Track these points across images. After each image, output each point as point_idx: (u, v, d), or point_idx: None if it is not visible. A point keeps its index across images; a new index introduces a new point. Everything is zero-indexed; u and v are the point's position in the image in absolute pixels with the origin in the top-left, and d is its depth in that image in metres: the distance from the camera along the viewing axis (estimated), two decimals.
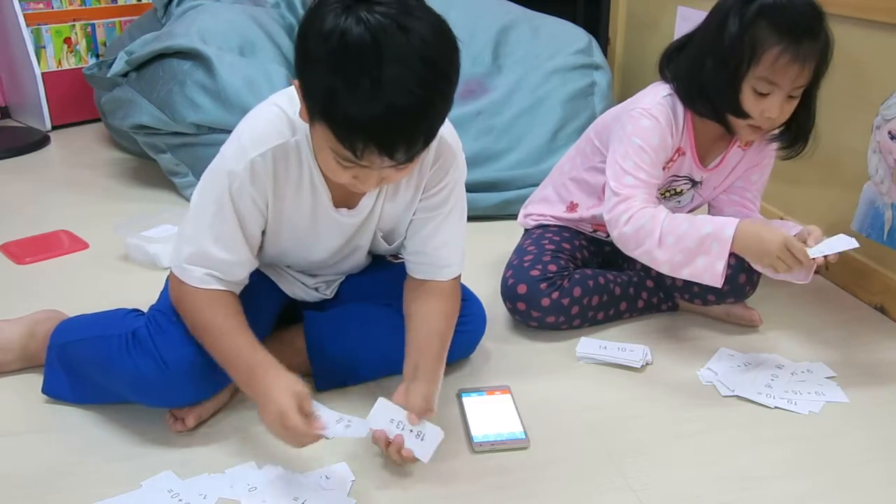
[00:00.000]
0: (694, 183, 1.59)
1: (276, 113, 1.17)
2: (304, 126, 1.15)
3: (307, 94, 1.04)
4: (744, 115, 1.41)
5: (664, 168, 1.51)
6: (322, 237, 1.29)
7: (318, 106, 1.01)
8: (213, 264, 1.19)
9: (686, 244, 1.40)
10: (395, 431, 1.15)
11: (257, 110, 1.21)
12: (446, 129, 1.23)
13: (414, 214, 1.30)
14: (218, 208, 1.17)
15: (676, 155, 1.52)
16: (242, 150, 1.15)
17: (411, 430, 1.15)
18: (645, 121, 1.47)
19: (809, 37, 1.35)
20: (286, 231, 1.26)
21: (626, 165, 1.47)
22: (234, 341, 1.17)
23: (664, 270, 1.45)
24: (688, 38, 1.50)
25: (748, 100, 1.39)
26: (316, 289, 1.41)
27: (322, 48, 0.97)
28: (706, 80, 1.42)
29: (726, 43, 1.37)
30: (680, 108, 1.50)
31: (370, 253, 1.40)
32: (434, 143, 1.14)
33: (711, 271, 1.39)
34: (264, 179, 1.17)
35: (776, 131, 1.50)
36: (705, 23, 1.45)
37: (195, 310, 1.19)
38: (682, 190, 1.60)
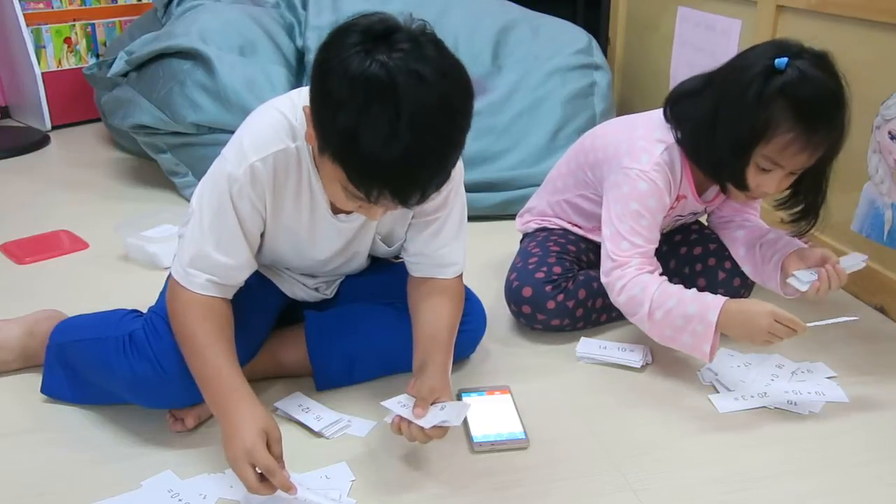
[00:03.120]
0: (697, 214, 1.60)
1: (278, 118, 1.17)
2: (304, 132, 1.15)
3: (322, 131, 1.03)
4: (746, 188, 1.37)
5: (665, 216, 1.49)
6: (320, 241, 1.29)
7: (335, 147, 1.01)
8: (213, 268, 1.18)
9: (673, 321, 1.37)
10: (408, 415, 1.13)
11: (259, 114, 1.21)
12: None
13: (412, 218, 1.30)
14: (218, 211, 1.17)
15: (677, 202, 1.50)
16: (243, 154, 1.15)
17: (434, 405, 1.14)
18: (642, 184, 1.42)
19: (826, 126, 1.28)
20: (284, 235, 1.26)
21: (622, 230, 1.43)
22: (216, 361, 1.14)
23: (657, 340, 1.43)
24: (700, 86, 1.41)
25: (749, 172, 1.34)
26: (316, 289, 1.41)
27: (345, 91, 0.97)
28: (715, 145, 1.35)
29: (742, 114, 1.29)
30: (677, 160, 1.44)
31: (370, 255, 1.40)
32: None
33: (699, 351, 1.37)
34: (264, 184, 1.17)
35: (783, 198, 1.46)
36: (723, 79, 1.36)
37: (187, 317, 1.17)
38: (688, 220, 1.61)
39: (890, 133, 1.62)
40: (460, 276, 1.35)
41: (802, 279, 1.42)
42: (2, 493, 1.14)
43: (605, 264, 1.46)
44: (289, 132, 1.16)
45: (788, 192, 1.44)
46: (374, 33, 0.98)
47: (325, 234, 1.27)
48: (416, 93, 0.96)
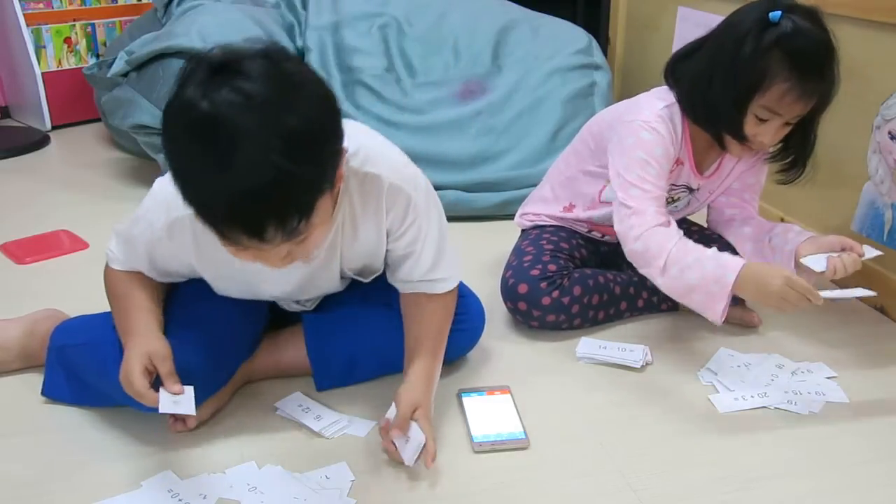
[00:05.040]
0: (691, 190, 1.59)
1: None
2: None
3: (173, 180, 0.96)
4: (744, 138, 1.40)
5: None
6: (269, 281, 1.25)
7: (179, 189, 0.95)
8: (133, 264, 1.24)
9: (688, 279, 1.38)
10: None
11: None
12: (392, 171, 1.16)
13: (388, 254, 1.27)
14: (137, 236, 1.19)
15: (675, 165, 1.51)
16: (166, 204, 1.12)
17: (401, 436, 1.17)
18: (646, 133, 1.44)
19: (817, 76, 1.33)
20: (227, 280, 1.25)
21: (630, 178, 1.44)
22: (131, 292, 1.22)
23: (666, 293, 1.45)
24: (697, 46, 1.45)
25: (747, 123, 1.38)
26: (297, 301, 1.39)
27: (173, 123, 0.92)
28: (713, 96, 1.39)
29: (739, 65, 1.34)
30: (678, 118, 1.47)
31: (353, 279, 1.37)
32: (396, 192, 1.16)
33: (711, 310, 1.38)
34: (183, 239, 1.16)
35: (774, 151, 1.51)
36: (718, 36, 1.40)
37: (114, 282, 1.25)
38: (678, 197, 1.60)
39: (890, 133, 1.62)
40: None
41: (817, 261, 1.42)
42: (2, 494, 1.14)
43: (619, 212, 1.46)
44: None
45: (779, 146, 1.49)
46: (213, 67, 0.90)
47: (273, 278, 1.22)
48: (246, 122, 0.88)
